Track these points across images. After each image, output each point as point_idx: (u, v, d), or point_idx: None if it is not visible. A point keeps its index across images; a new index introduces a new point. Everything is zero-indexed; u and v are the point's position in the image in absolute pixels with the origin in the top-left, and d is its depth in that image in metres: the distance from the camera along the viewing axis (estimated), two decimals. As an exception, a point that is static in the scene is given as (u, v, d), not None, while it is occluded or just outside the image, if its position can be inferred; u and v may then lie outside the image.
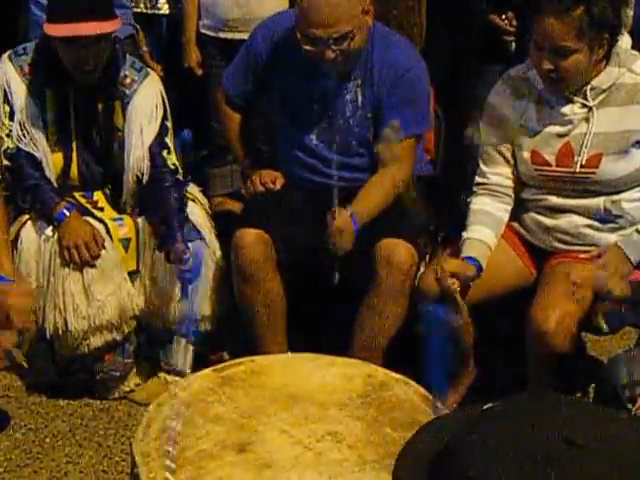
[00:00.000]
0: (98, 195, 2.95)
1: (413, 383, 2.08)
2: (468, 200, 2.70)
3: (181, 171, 2.94)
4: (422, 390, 2.04)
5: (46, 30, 2.71)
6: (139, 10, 3.86)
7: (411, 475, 1.06)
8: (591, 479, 0.96)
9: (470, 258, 2.55)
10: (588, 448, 0.97)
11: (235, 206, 3.66)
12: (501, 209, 2.66)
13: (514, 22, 3.28)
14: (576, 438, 0.98)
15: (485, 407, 1.08)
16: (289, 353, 2.66)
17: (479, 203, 2.66)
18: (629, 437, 1.00)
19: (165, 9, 3.96)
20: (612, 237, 2.57)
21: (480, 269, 2.55)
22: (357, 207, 2.62)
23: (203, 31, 3.80)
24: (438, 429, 1.12)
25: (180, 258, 2.71)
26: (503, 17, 3.28)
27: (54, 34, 2.69)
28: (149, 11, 3.93)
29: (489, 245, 2.60)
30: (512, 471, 0.95)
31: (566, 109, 2.52)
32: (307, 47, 2.61)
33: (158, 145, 2.88)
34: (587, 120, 2.50)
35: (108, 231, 2.83)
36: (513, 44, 3.31)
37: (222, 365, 2.15)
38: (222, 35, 3.71)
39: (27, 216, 2.84)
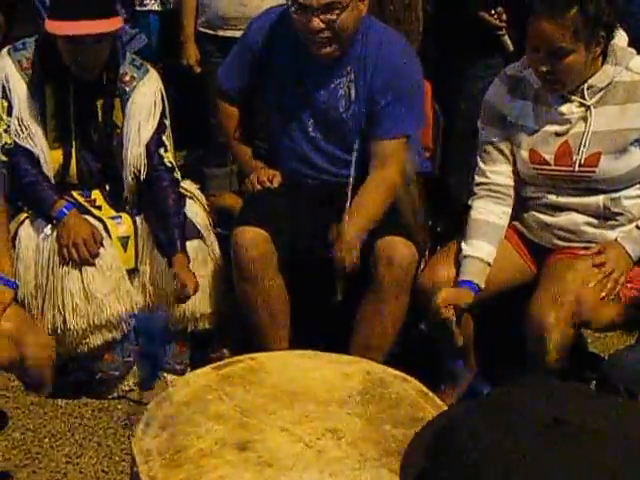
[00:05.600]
0: (96, 193, 2.95)
1: (412, 379, 2.07)
2: (469, 203, 2.67)
3: (177, 169, 2.94)
4: (421, 386, 2.04)
5: (47, 27, 2.68)
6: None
7: (418, 444, 1.10)
8: (578, 453, 1.11)
9: (468, 282, 2.54)
10: (575, 425, 1.14)
11: (235, 201, 3.64)
12: (501, 214, 2.64)
13: (503, 17, 3.28)
14: (565, 417, 1.14)
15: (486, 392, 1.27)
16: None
17: (480, 209, 2.63)
18: (618, 416, 1.11)
19: (152, 5, 3.95)
20: (612, 234, 2.57)
21: (478, 290, 2.55)
22: (356, 221, 2.62)
23: (201, 29, 3.78)
24: (442, 417, 1.23)
25: (183, 285, 2.72)
26: (492, 12, 3.28)
27: (55, 32, 2.67)
28: (138, 8, 3.93)
29: (488, 262, 2.59)
30: (508, 440, 1.09)
31: (564, 108, 2.50)
32: (295, 15, 2.59)
33: (155, 143, 2.88)
34: (585, 119, 2.48)
35: (107, 229, 2.82)
36: (506, 38, 3.31)
37: (221, 363, 2.14)
38: (221, 33, 3.70)
39: (25, 214, 2.83)
